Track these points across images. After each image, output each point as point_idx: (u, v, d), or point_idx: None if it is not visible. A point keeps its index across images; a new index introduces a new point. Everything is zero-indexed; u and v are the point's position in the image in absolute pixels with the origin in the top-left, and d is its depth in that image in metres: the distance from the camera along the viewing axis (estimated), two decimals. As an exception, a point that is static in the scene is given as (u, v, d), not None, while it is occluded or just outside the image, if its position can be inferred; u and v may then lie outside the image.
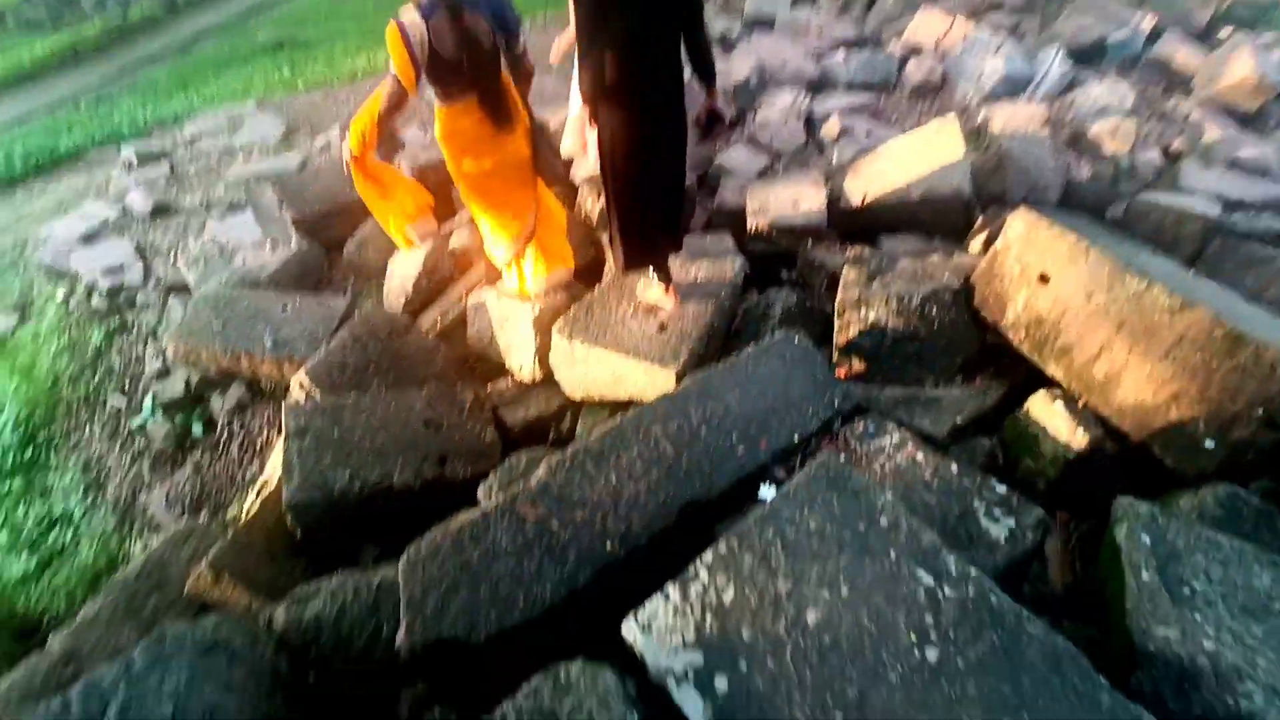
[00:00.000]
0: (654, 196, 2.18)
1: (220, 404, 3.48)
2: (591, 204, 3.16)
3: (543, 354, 2.53)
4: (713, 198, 3.64)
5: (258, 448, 3.38)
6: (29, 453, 3.89)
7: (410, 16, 2.07)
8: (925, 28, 4.97)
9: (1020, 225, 2.07)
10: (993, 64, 4.29)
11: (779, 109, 4.46)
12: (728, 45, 6.12)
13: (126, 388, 4.05)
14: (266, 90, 8.67)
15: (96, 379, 4.19)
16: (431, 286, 3.24)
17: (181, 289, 4.20)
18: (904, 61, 4.86)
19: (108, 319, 4.43)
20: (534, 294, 2.70)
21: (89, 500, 3.57)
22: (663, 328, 2.29)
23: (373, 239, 3.76)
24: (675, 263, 2.46)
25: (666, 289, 2.35)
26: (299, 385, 2.52)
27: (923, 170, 2.91)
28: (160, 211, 5.27)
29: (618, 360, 2.22)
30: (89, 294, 4.62)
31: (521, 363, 2.68)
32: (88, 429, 3.97)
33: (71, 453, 3.87)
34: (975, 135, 3.61)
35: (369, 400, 2.26)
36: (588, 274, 2.95)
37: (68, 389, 4.19)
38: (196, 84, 9.36)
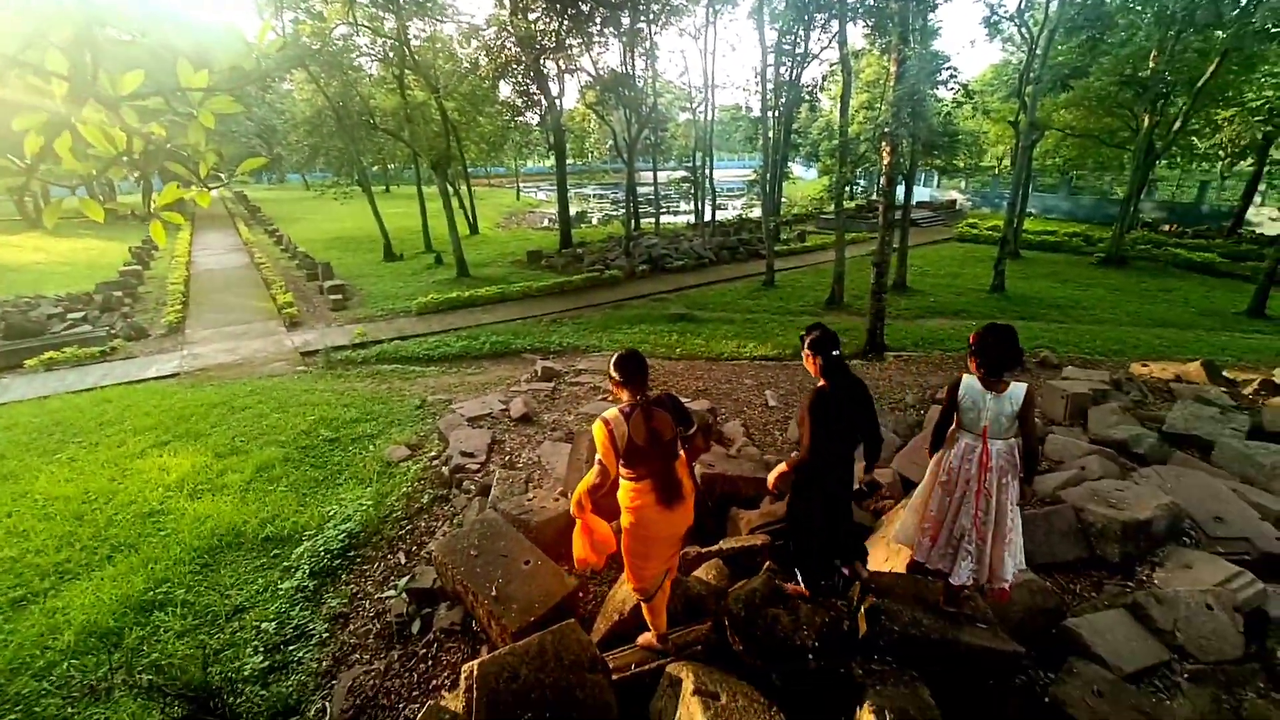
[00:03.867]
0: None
1: (441, 618, 3.67)
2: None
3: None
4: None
5: (440, 682, 3.39)
6: (333, 562, 4.75)
7: (614, 414, 2.60)
8: None
9: None
10: None
11: (1195, 581, 3.15)
12: (1133, 457, 4.93)
13: (411, 552, 4.74)
14: (653, 349, 10.74)
15: (403, 531, 5.05)
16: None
17: (486, 492, 4.92)
18: None
19: (441, 489, 5.46)
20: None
21: (326, 634, 4.05)
22: None
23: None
24: None
25: None
26: (466, 673, 2.40)
27: None
28: (525, 420, 6.58)
29: None
30: (446, 461, 5.84)
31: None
32: (372, 567, 4.70)
33: (352, 582, 4.57)
34: None
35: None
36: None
37: (387, 527, 5.15)
38: (611, 329, 12.26)
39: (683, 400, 3.10)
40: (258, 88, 23.74)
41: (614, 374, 2.69)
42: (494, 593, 3.19)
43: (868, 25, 14.76)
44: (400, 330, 12.94)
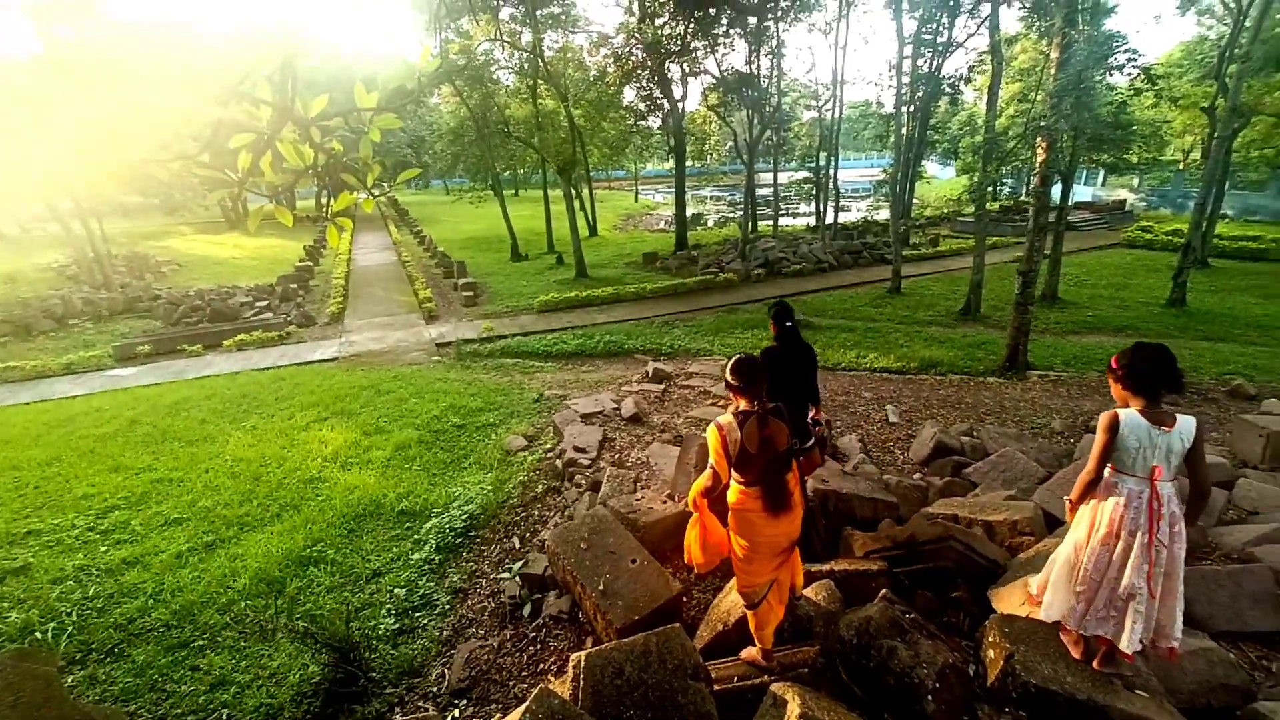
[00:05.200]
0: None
1: (550, 604, 3.85)
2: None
3: None
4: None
5: (546, 666, 3.55)
6: (456, 540, 5.14)
7: (728, 419, 2.57)
8: None
9: None
10: None
11: None
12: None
13: (525, 538, 5.02)
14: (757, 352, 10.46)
15: (518, 518, 5.36)
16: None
17: (596, 488, 5.07)
18: None
19: (554, 480, 5.72)
20: None
21: (448, 606, 4.40)
22: None
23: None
24: None
25: None
26: (574, 662, 2.49)
27: None
28: (635, 420, 6.71)
29: None
30: (560, 455, 6.11)
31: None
32: (489, 548, 5.03)
33: (471, 560, 4.93)
34: None
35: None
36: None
37: (504, 512, 5.49)
38: (723, 333, 12.13)
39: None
40: (413, 103, 26.28)
41: (731, 378, 2.65)
42: (601, 587, 3.28)
43: (1025, 6, 13.38)
44: (522, 326, 13.73)
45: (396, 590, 4.49)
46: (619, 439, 6.26)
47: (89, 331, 14.59)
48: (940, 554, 3.31)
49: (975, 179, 13.52)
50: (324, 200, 40.00)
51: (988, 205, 15.81)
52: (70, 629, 4.14)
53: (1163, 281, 15.52)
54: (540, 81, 20.88)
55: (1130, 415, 2.33)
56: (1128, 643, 2.30)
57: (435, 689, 3.64)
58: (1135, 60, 12.41)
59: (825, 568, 3.36)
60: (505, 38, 20.51)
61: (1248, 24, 13.44)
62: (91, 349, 12.80)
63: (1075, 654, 2.52)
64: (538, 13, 19.99)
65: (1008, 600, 3.03)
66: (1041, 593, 2.62)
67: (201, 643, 4.03)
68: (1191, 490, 2.37)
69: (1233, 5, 14.32)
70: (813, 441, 2.70)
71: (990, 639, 2.66)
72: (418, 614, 4.30)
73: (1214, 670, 2.66)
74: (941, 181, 49.12)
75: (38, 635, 4.08)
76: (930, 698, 2.39)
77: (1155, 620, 2.31)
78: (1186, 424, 2.30)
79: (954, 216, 28.33)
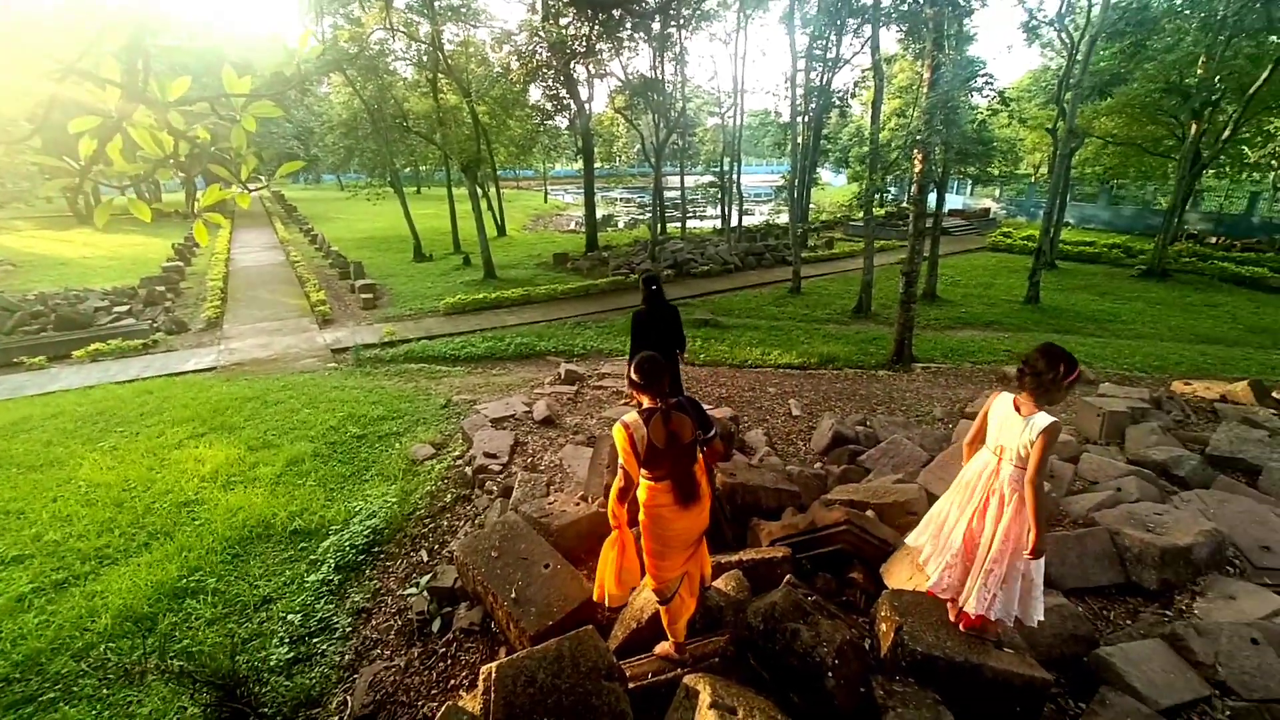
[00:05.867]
0: None
1: (461, 617, 3.71)
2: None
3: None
4: None
5: (458, 682, 3.41)
6: (358, 557, 4.83)
7: (633, 418, 2.60)
8: None
9: None
10: None
11: (1239, 613, 3.02)
12: (1174, 480, 4.76)
13: (434, 550, 4.80)
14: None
15: (426, 530, 5.12)
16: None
17: (508, 494, 4.96)
18: None
19: (463, 489, 5.52)
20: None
21: (349, 628, 4.12)
22: None
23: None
24: None
25: None
26: (485, 675, 2.42)
27: None
28: (547, 422, 6.62)
29: None
30: (469, 462, 5.90)
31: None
32: (395, 564, 4.77)
33: (376, 577, 4.65)
34: None
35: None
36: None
37: (410, 525, 5.22)
38: (636, 334, 12.25)
39: (705, 407, 3.09)
40: (297, 91, 24.43)
41: (634, 377, 2.70)
42: (513, 595, 3.21)
43: (901, 30, 14.58)
44: (428, 330, 13.15)
45: (290, 616, 4.15)
46: (531, 442, 6.16)
47: (-109, 344, 12.28)
48: (838, 538, 3.54)
49: (864, 186, 14.59)
50: (194, 194, 36.24)
51: (875, 211, 17.08)
52: None
53: (1021, 281, 17.48)
54: (441, 75, 20.08)
55: (1001, 396, 2.62)
56: (973, 605, 2.58)
57: (336, 718, 3.40)
58: (992, 84, 13.90)
59: (734, 558, 3.48)
60: (401, 28, 19.53)
61: (1079, 57, 15.47)
62: (-105, 365, 10.81)
63: (952, 617, 2.78)
64: (436, 4, 19.20)
65: (897, 576, 3.29)
66: (928, 562, 2.88)
67: (53, 695, 3.52)
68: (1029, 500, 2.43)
69: (1067, 40, 16.41)
70: (715, 431, 2.79)
71: (882, 614, 2.88)
72: (315, 640, 3.99)
73: (1065, 624, 3.03)
74: (835, 188, 52.42)
75: None
76: (830, 674, 2.54)
77: (993, 592, 2.55)
78: (1038, 420, 2.38)
79: (846, 220, 30.36)
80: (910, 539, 3.03)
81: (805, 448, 6.45)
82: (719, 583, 3.26)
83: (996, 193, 36.70)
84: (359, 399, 8.20)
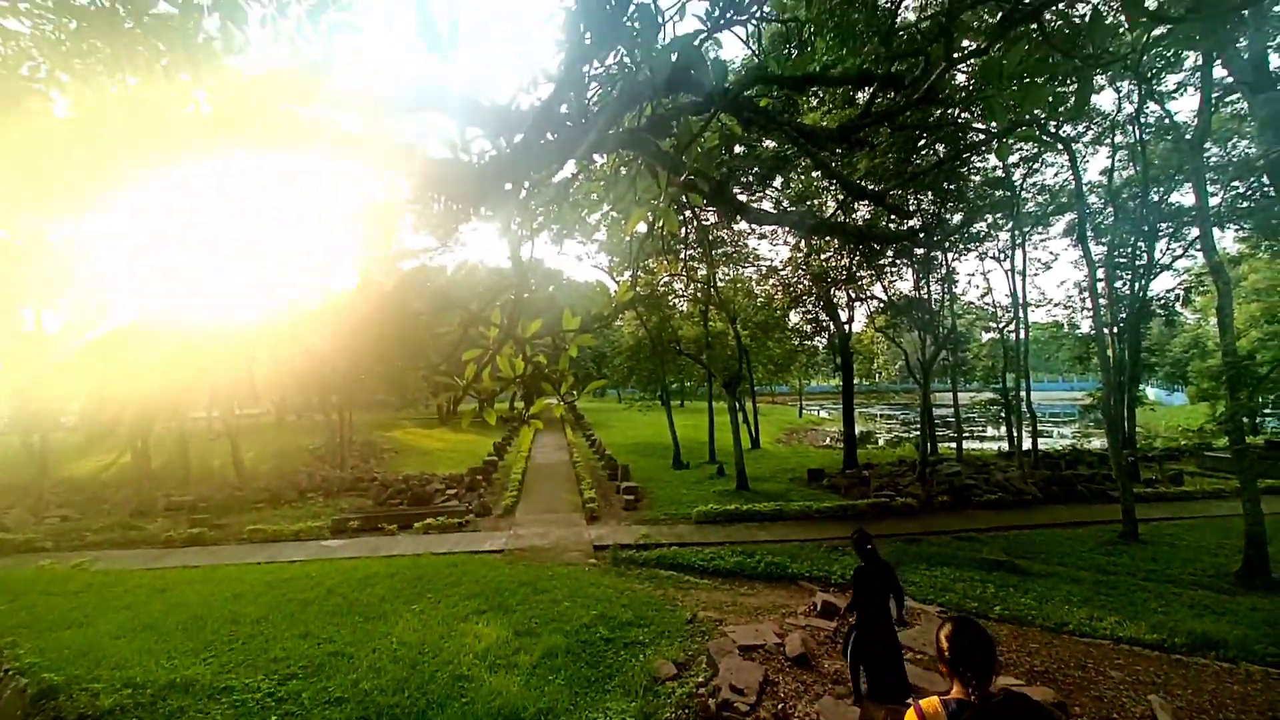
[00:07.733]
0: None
1: None
2: None
3: None
4: None
5: None
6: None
7: (934, 707, 2.01)
8: None
9: None
10: None
11: None
12: None
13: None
14: (961, 600, 8.84)
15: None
16: None
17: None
18: None
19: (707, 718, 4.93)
20: None
21: None
22: None
23: None
24: None
25: None
26: None
27: None
28: (802, 661, 5.77)
29: None
30: (713, 692, 5.33)
31: None
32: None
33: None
34: None
35: None
36: None
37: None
38: (904, 567, 10.56)
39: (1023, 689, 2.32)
40: (606, 326, 30.57)
41: (943, 647, 2.07)
42: None
43: (1242, 226, 12.29)
44: (680, 536, 13.35)
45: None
46: (783, 683, 5.36)
47: (319, 504, 17.23)
48: None
49: (1220, 408, 11.29)
50: (520, 404, 45.84)
51: (1250, 439, 12.94)
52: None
53: None
54: (711, 308, 23.18)
55: None
56: None
57: None
58: None
59: None
60: (684, 273, 23.67)
61: None
62: (316, 520, 14.96)
63: None
64: (714, 252, 23.04)
65: None
66: None
67: None
68: None
69: None
70: None
71: None
72: None
73: None
74: (1170, 408, 42.16)
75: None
76: None
77: None
78: None
79: (1199, 450, 23.48)
80: None
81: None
82: None
83: None
84: (611, 599, 8.39)
